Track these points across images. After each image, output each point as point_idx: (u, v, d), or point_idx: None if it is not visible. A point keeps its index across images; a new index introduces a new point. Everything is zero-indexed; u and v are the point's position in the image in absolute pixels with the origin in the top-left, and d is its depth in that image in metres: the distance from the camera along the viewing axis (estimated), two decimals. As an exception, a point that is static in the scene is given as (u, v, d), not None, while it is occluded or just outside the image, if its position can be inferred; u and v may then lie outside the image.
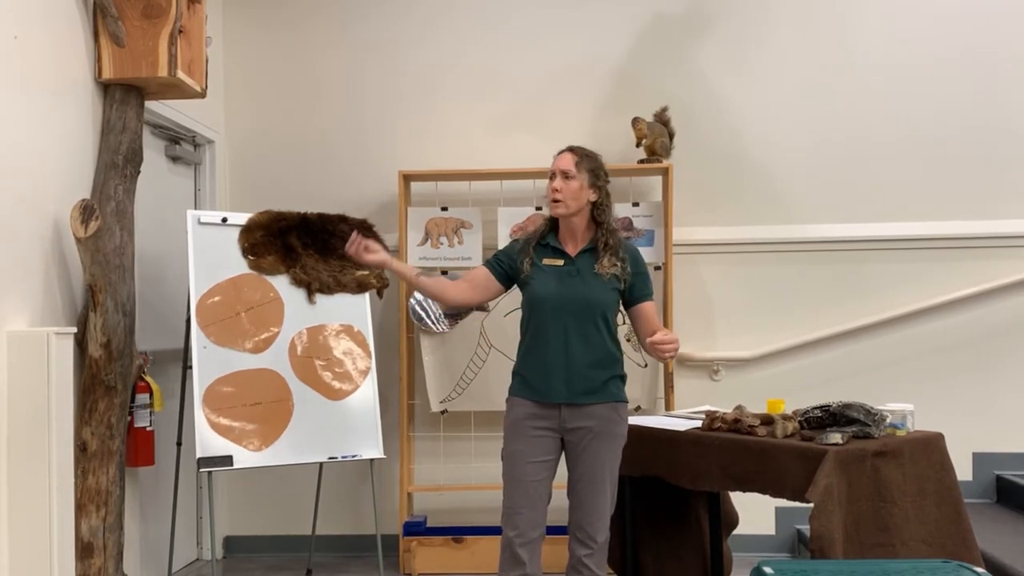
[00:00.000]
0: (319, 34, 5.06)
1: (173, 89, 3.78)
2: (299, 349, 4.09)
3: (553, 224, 3.18)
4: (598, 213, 3.12)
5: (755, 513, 4.62)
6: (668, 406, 4.61)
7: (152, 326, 4.25)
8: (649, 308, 3.17)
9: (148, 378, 3.85)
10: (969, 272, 4.78)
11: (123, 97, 3.70)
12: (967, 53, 4.83)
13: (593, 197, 3.10)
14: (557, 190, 3.06)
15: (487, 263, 3.21)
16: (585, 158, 3.10)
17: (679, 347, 3.04)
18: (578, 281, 3.07)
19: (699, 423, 3.44)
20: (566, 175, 3.06)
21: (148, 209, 4.22)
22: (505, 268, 3.16)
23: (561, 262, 3.11)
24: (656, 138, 4.65)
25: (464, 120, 5.00)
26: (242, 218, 4.12)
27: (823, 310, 4.84)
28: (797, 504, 3.07)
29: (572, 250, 3.12)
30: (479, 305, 4.29)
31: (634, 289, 3.13)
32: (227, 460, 3.79)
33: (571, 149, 3.13)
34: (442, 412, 4.75)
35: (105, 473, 3.48)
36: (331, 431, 4.05)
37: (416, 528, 4.63)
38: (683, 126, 4.79)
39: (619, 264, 3.08)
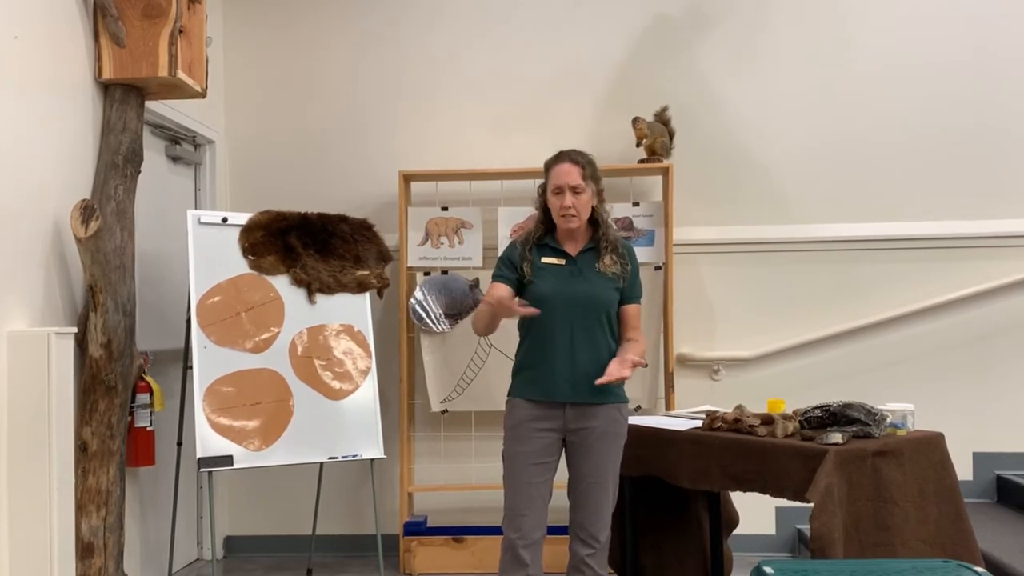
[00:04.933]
0: (319, 34, 5.06)
1: (173, 89, 3.78)
2: (299, 349, 4.09)
3: (549, 224, 3.16)
4: (596, 213, 3.13)
5: (755, 513, 4.62)
6: (668, 406, 4.61)
7: (152, 326, 4.26)
8: (633, 311, 3.16)
9: (148, 378, 3.85)
10: (969, 272, 4.78)
11: (123, 97, 3.70)
12: (966, 53, 4.83)
13: (595, 202, 3.10)
14: (571, 207, 3.03)
15: (499, 278, 3.14)
16: (587, 166, 3.07)
17: (625, 374, 2.95)
18: (581, 280, 3.06)
19: (699, 423, 3.44)
20: (576, 190, 3.04)
21: (148, 209, 4.22)
22: (517, 275, 3.12)
23: (562, 261, 3.10)
24: (656, 138, 4.65)
25: (464, 120, 5.00)
26: (242, 218, 4.12)
27: (823, 310, 4.84)
28: (797, 504, 3.07)
29: (572, 249, 3.12)
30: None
31: (626, 291, 3.14)
32: (227, 460, 3.79)
33: (572, 160, 3.07)
34: (442, 412, 4.75)
35: (105, 473, 3.48)
36: (331, 431, 4.05)
37: (416, 528, 4.64)
38: (683, 126, 4.79)
39: (619, 263, 3.09)
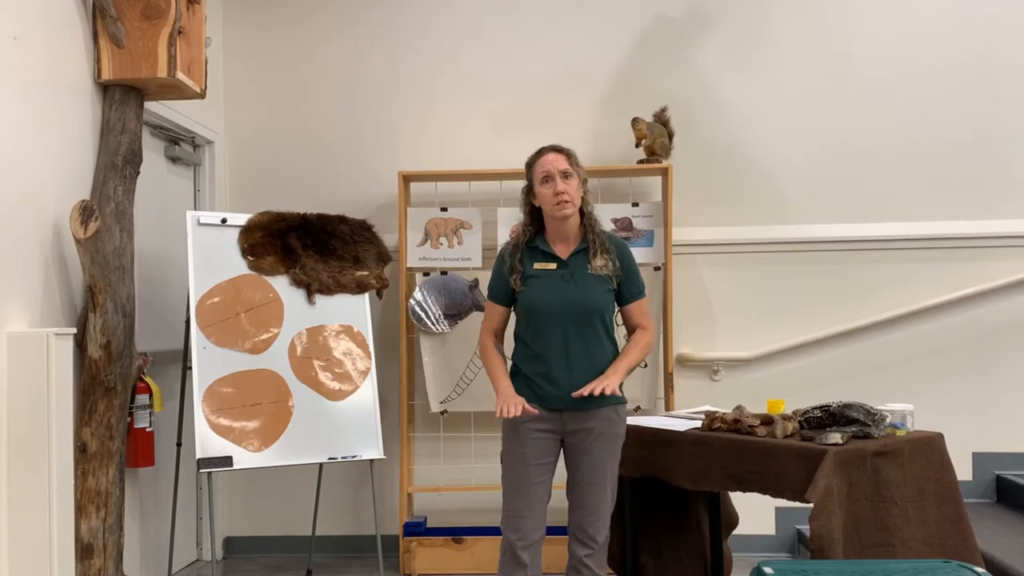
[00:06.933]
0: (318, 35, 5.06)
1: (172, 90, 3.78)
2: (299, 350, 4.09)
3: (539, 226, 3.14)
4: (583, 204, 3.09)
5: (755, 513, 4.63)
6: (668, 406, 4.61)
7: (152, 327, 4.26)
8: (637, 309, 3.14)
9: (148, 379, 3.85)
10: (969, 272, 4.78)
11: (122, 98, 3.70)
12: (964, 55, 4.84)
13: (582, 192, 3.09)
14: (564, 191, 3.01)
15: (492, 299, 3.18)
16: (573, 155, 3.09)
17: (605, 386, 2.95)
18: (573, 286, 3.04)
19: (699, 423, 3.44)
20: (566, 175, 3.03)
21: (148, 210, 4.22)
22: (508, 293, 3.13)
23: (554, 266, 3.07)
24: (656, 138, 4.65)
25: (464, 120, 5.00)
26: (242, 219, 4.12)
27: (823, 310, 4.84)
28: (797, 504, 3.07)
29: (563, 252, 3.09)
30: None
31: (624, 289, 3.11)
32: (227, 461, 3.79)
33: (557, 149, 3.08)
34: (442, 413, 4.75)
35: (105, 474, 3.47)
36: (331, 431, 4.05)
37: (416, 528, 4.63)
38: (683, 126, 4.79)
39: (610, 262, 3.06)
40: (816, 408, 3.17)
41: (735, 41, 4.92)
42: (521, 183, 3.19)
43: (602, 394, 2.92)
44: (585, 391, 2.91)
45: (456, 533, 4.63)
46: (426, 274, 4.73)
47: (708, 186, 4.88)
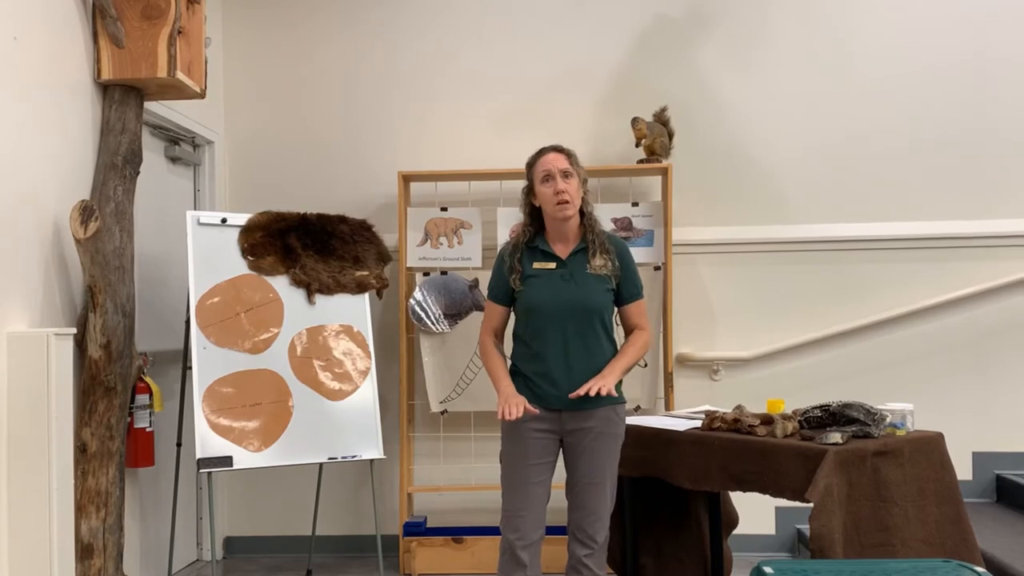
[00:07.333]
0: (318, 35, 5.06)
1: (172, 90, 3.78)
2: (299, 349, 4.09)
3: (539, 226, 3.14)
4: (583, 204, 3.09)
5: (755, 513, 4.63)
6: (668, 406, 4.61)
7: (152, 327, 4.26)
8: (635, 310, 3.14)
9: (148, 379, 3.85)
10: (968, 272, 4.78)
11: (122, 98, 3.70)
12: (964, 55, 4.84)
13: (583, 192, 3.09)
14: (565, 191, 3.01)
15: (492, 299, 3.18)
16: (573, 156, 3.09)
17: (601, 386, 2.94)
18: (572, 285, 3.03)
19: (699, 423, 3.44)
20: (566, 174, 3.04)
21: (148, 210, 4.23)
22: (508, 293, 3.13)
23: (553, 265, 3.07)
24: (656, 138, 4.65)
25: (464, 120, 5.00)
26: (242, 219, 4.12)
27: (823, 310, 4.84)
28: (797, 504, 3.07)
29: (563, 252, 3.09)
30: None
31: (622, 290, 3.10)
32: (227, 461, 3.79)
33: (558, 149, 3.09)
34: (442, 412, 4.75)
35: (105, 474, 3.48)
36: (331, 431, 4.05)
37: (416, 528, 4.63)
38: (683, 126, 4.79)
39: (610, 261, 3.06)
40: (816, 408, 3.16)
41: (735, 41, 4.92)
42: (521, 183, 3.19)
43: (599, 394, 2.92)
44: (582, 391, 2.91)
45: (456, 533, 4.63)
46: (426, 274, 4.73)
47: (708, 186, 4.88)
